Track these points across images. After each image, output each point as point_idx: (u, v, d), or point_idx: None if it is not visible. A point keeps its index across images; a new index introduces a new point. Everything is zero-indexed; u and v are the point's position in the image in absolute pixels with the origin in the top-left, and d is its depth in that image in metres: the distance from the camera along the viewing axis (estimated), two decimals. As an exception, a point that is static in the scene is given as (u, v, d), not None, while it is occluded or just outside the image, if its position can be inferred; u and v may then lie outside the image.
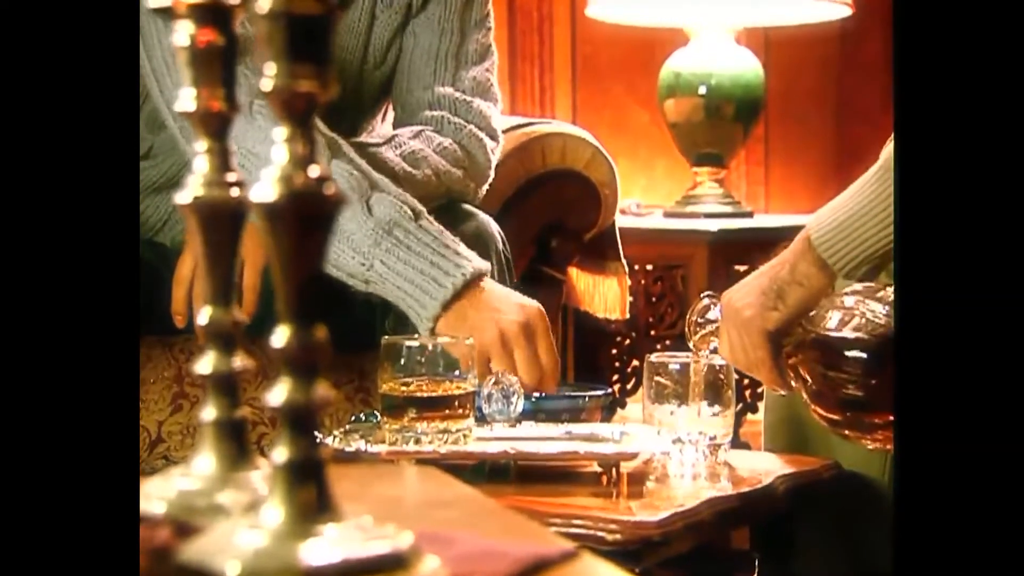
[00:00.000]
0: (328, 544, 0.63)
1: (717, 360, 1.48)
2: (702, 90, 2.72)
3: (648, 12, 2.81)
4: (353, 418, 1.51)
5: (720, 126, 2.74)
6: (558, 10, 3.27)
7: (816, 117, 3.64)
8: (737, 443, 1.80)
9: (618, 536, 1.22)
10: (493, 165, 1.80)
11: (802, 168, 3.61)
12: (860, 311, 1.35)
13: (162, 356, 1.71)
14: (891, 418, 1.32)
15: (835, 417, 1.39)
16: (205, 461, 0.77)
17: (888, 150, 1.36)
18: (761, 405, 1.95)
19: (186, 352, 1.71)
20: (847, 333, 1.36)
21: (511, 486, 1.36)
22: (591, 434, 1.46)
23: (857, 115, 3.54)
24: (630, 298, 2.37)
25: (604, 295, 2.34)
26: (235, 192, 0.77)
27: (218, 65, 0.77)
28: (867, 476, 1.54)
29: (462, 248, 1.55)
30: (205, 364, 0.77)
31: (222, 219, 0.77)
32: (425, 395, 1.37)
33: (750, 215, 2.82)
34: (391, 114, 1.88)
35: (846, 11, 2.76)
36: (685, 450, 1.46)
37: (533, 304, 1.55)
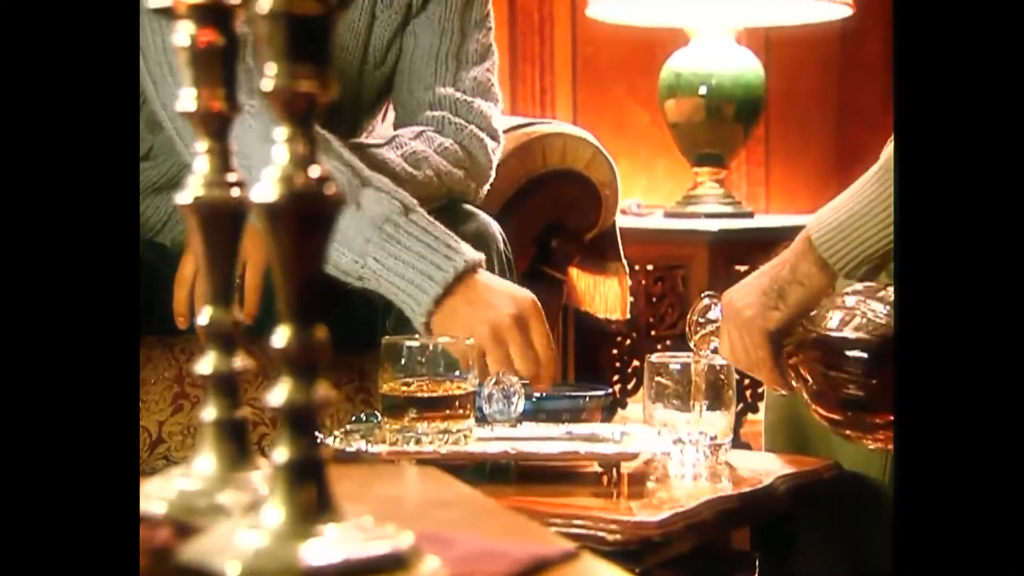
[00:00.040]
0: (328, 544, 0.63)
1: (718, 360, 1.48)
2: (703, 90, 2.72)
3: (649, 12, 2.81)
4: (354, 418, 1.51)
5: (721, 126, 2.74)
6: (559, 11, 3.27)
7: (817, 117, 3.64)
8: (738, 443, 1.80)
9: (619, 536, 1.22)
10: (494, 165, 1.80)
11: (802, 168, 3.61)
12: (861, 311, 1.36)
13: (163, 356, 1.71)
14: (892, 418, 1.32)
15: (836, 417, 1.39)
16: (206, 461, 0.77)
17: (888, 150, 1.36)
18: (762, 405, 1.95)
19: (187, 352, 1.71)
20: (848, 333, 1.36)
21: (511, 486, 1.36)
22: (592, 434, 1.46)
23: (857, 115, 3.55)
24: (631, 298, 2.37)
25: (605, 295, 2.34)
26: (235, 192, 0.77)
27: (218, 65, 0.77)
28: (867, 476, 1.54)
29: (453, 241, 1.54)
30: (206, 364, 0.77)
31: (222, 219, 0.77)
32: (426, 395, 1.37)
33: (751, 215, 2.82)
34: (391, 115, 1.88)
35: (847, 11, 2.76)
36: (686, 450, 1.46)
37: (525, 295, 1.55)
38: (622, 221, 2.37)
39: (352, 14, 1.77)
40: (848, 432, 1.40)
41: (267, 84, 0.64)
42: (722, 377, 1.48)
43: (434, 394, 1.37)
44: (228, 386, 0.78)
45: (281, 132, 0.64)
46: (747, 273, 1.57)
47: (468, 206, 1.74)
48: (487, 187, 1.80)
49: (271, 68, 0.64)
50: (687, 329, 1.52)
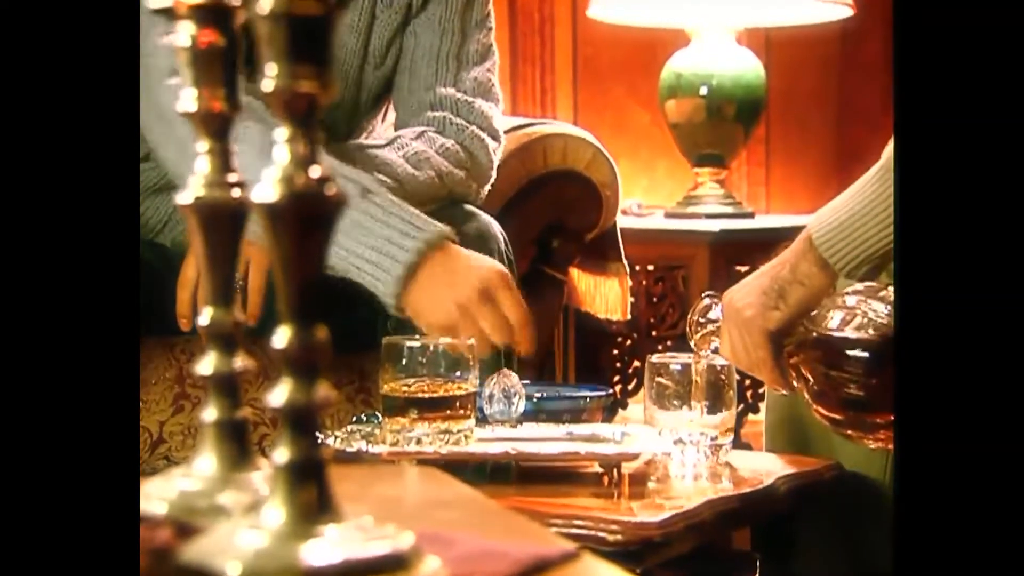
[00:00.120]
0: (329, 545, 0.63)
1: (718, 360, 1.49)
2: (703, 91, 2.72)
3: (649, 13, 2.81)
4: (354, 419, 1.51)
5: (721, 127, 2.74)
6: (559, 11, 3.27)
7: (817, 117, 3.64)
8: (738, 444, 1.80)
9: (619, 537, 1.22)
10: (495, 166, 1.80)
11: (803, 168, 3.61)
12: (862, 311, 1.36)
13: (163, 357, 1.71)
14: (892, 418, 1.32)
15: (837, 417, 1.39)
16: (206, 462, 0.77)
17: (889, 150, 1.36)
18: (763, 406, 1.95)
19: (187, 353, 1.71)
20: (849, 333, 1.36)
21: (512, 487, 1.36)
22: (592, 435, 1.46)
23: (858, 116, 3.54)
24: (631, 299, 2.37)
25: (605, 296, 2.34)
26: (236, 193, 0.77)
27: (219, 66, 0.77)
28: (868, 477, 1.54)
29: (415, 220, 1.52)
30: (206, 365, 0.77)
31: (223, 220, 0.77)
32: (426, 396, 1.37)
33: (751, 216, 2.81)
34: (391, 115, 1.88)
35: (847, 11, 2.76)
36: (686, 451, 1.46)
37: (489, 265, 1.54)
38: (623, 221, 2.37)
39: (352, 14, 1.77)
40: (849, 432, 1.40)
41: (268, 84, 0.64)
42: (723, 377, 1.48)
43: (435, 395, 1.38)
44: (229, 386, 0.78)
45: (282, 132, 0.64)
46: (748, 273, 1.57)
47: (469, 206, 1.74)
48: (488, 187, 1.80)
49: (272, 68, 0.64)
50: (688, 329, 1.52)
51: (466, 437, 1.38)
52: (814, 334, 1.39)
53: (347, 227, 1.50)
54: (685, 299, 2.56)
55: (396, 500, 0.97)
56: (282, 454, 0.65)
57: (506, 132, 1.87)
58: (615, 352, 2.68)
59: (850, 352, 1.36)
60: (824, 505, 1.54)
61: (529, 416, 1.49)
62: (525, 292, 1.61)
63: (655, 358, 1.51)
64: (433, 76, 1.78)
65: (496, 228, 1.72)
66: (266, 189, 0.64)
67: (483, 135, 1.77)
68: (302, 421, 0.65)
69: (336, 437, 1.39)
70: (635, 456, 1.40)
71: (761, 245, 2.30)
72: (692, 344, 1.50)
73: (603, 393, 1.63)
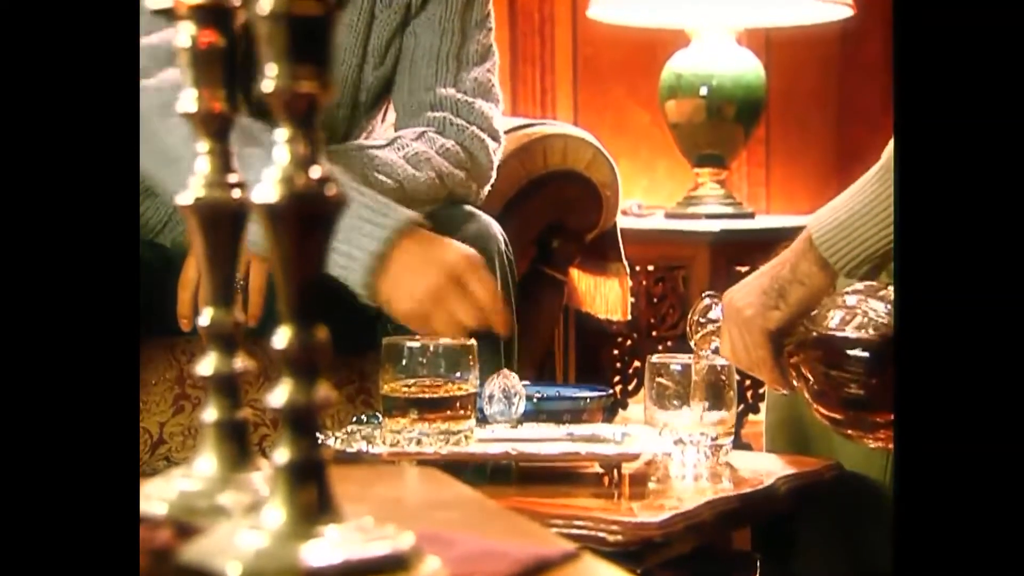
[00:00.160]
0: (329, 545, 0.63)
1: (719, 361, 1.48)
2: (703, 91, 2.72)
3: (649, 13, 2.81)
4: (354, 419, 1.51)
5: (721, 127, 2.74)
6: (559, 11, 3.27)
7: (817, 118, 3.64)
8: (739, 444, 1.80)
9: (619, 537, 1.22)
10: (495, 166, 1.80)
11: (803, 169, 3.61)
12: (862, 310, 1.36)
13: (164, 357, 1.71)
14: (892, 417, 1.32)
15: (837, 416, 1.39)
16: (206, 462, 0.77)
17: (889, 150, 1.36)
18: (763, 406, 1.95)
19: (188, 353, 1.71)
20: (849, 332, 1.36)
21: (512, 487, 1.36)
22: (592, 435, 1.46)
23: (858, 116, 3.54)
24: (631, 299, 2.37)
25: (605, 296, 2.34)
26: (236, 193, 0.77)
27: (219, 66, 0.77)
28: (868, 477, 1.54)
29: (381, 208, 1.52)
30: (206, 365, 0.77)
31: (223, 220, 0.77)
32: (426, 396, 1.37)
33: (751, 216, 2.81)
34: (391, 115, 1.88)
35: (847, 12, 2.76)
36: (687, 451, 1.46)
37: (457, 249, 1.54)
38: (623, 222, 2.37)
39: (351, 13, 1.78)
40: (849, 431, 1.40)
41: (268, 85, 0.64)
42: (723, 378, 1.48)
43: (435, 395, 1.37)
44: (229, 387, 0.78)
45: (282, 133, 0.64)
46: (748, 274, 1.57)
47: (469, 207, 1.74)
48: (488, 188, 1.80)
49: (272, 69, 0.64)
50: (688, 329, 1.52)
51: (466, 437, 1.38)
52: (814, 333, 1.39)
53: None
54: (685, 299, 2.56)
55: (396, 501, 0.97)
56: (282, 454, 0.65)
57: (506, 132, 1.87)
58: (615, 352, 2.68)
59: (850, 351, 1.36)
60: (824, 505, 1.54)
61: (529, 416, 1.49)
62: (525, 293, 1.61)
63: (655, 358, 1.51)
64: (433, 76, 1.78)
65: (496, 228, 1.72)
66: (266, 189, 0.64)
67: (483, 136, 1.77)
68: (302, 421, 0.65)
69: (336, 438, 1.39)
70: (635, 456, 1.40)
71: (761, 245, 2.30)
72: (692, 344, 1.50)
73: (603, 393, 1.63)
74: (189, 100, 0.77)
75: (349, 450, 1.35)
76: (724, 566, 1.61)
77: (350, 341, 1.49)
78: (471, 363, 1.39)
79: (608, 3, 2.80)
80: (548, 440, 1.43)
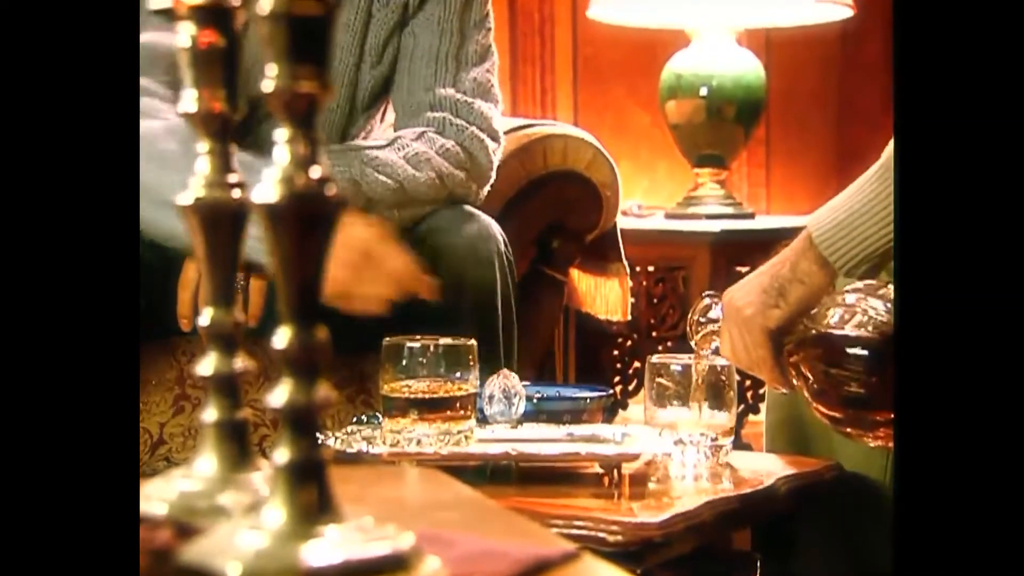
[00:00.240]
0: (329, 545, 0.63)
1: (719, 361, 1.48)
2: (703, 91, 2.72)
3: (649, 13, 2.81)
4: (355, 419, 1.51)
5: (721, 127, 2.74)
6: (559, 11, 3.27)
7: (817, 118, 3.64)
8: (739, 444, 1.80)
9: (619, 537, 1.22)
10: (495, 166, 1.80)
11: (803, 169, 3.61)
12: (861, 308, 1.36)
13: (164, 358, 1.71)
14: (892, 416, 1.32)
15: (837, 415, 1.39)
16: (206, 462, 0.77)
17: (889, 149, 1.36)
18: (763, 406, 1.95)
19: (188, 354, 1.71)
20: (849, 331, 1.36)
21: (512, 487, 1.36)
22: (592, 435, 1.46)
23: (858, 116, 3.54)
24: (632, 299, 2.37)
25: (605, 296, 2.34)
26: (236, 193, 0.77)
27: (219, 66, 0.77)
28: (868, 477, 1.54)
29: None
30: (206, 366, 0.77)
31: (223, 220, 0.77)
32: (426, 396, 1.37)
33: (751, 216, 2.81)
34: (390, 116, 1.88)
35: (847, 12, 2.76)
36: (687, 451, 1.46)
37: (363, 223, 1.53)
38: (623, 222, 2.37)
39: (348, 12, 1.78)
40: (849, 430, 1.40)
41: (268, 85, 0.64)
42: (723, 378, 1.48)
43: (435, 395, 1.38)
44: (229, 387, 0.78)
45: (282, 133, 0.65)
46: (748, 274, 1.57)
47: (469, 207, 1.74)
48: (488, 188, 1.80)
49: (272, 69, 0.64)
50: (688, 329, 1.52)
51: (466, 438, 1.38)
52: (814, 332, 1.39)
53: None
54: (685, 300, 2.56)
55: (396, 501, 0.97)
56: (282, 455, 0.65)
57: (506, 133, 1.87)
58: (615, 353, 2.68)
59: (850, 350, 1.36)
60: (824, 506, 1.54)
61: (529, 417, 1.49)
62: (525, 293, 1.61)
63: (655, 359, 1.51)
64: (432, 77, 1.78)
65: (495, 229, 1.72)
66: (266, 189, 0.64)
67: (483, 136, 1.77)
68: (302, 422, 0.65)
69: (336, 438, 1.39)
70: (635, 457, 1.40)
71: (761, 246, 2.30)
72: (693, 344, 1.50)
73: (603, 394, 1.63)
74: (189, 100, 0.77)
75: (349, 450, 1.35)
76: (724, 566, 1.61)
77: (350, 341, 1.49)
78: (471, 363, 1.39)
79: (608, 3, 2.80)
80: (548, 440, 1.43)
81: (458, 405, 1.38)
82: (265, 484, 0.74)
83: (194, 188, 0.77)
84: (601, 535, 1.22)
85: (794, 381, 1.43)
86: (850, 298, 1.37)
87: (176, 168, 1.47)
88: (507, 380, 1.47)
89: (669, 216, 2.79)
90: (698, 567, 1.44)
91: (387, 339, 1.41)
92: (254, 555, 0.62)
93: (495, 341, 1.68)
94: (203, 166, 0.78)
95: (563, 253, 2.23)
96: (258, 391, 1.57)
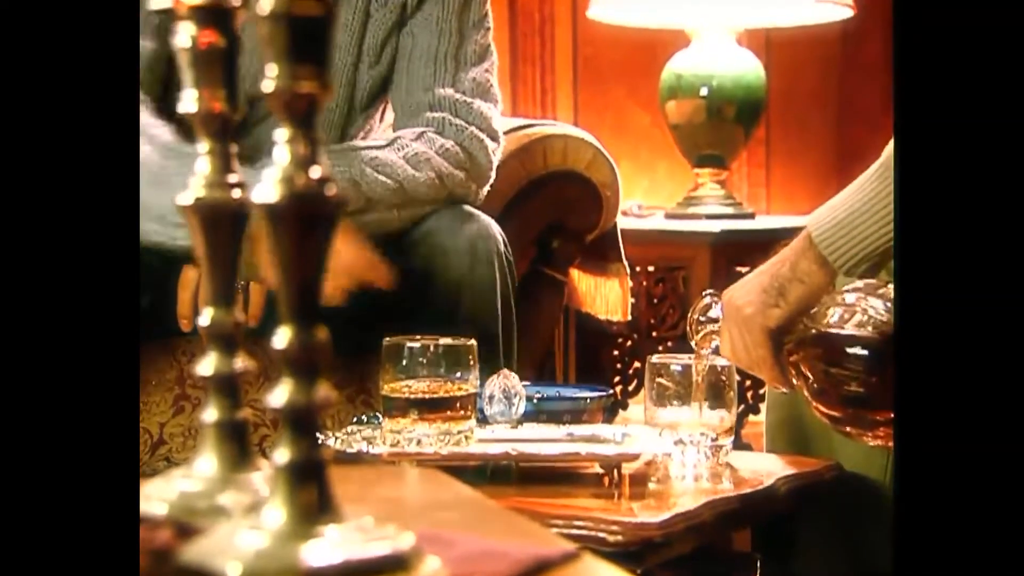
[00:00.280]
0: (329, 545, 0.63)
1: (719, 361, 1.48)
2: (703, 91, 2.72)
3: (649, 13, 2.81)
4: (355, 420, 1.51)
5: (721, 127, 2.74)
6: (559, 11, 3.27)
7: (817, 118, 3.64)
8: (739, 444, 1.80)
9: (619, 537, 1.22)
10: (494, 166, 1.80)
11: (803, 169, 3.61)
12: (861, 308, 1.36)
13: (164, 358, 1.71)
14: (892, 415, 1.32)
15: (836, 414, 1.39)
16: (206, 462, 0.77)
17: (889, 149, 1.36)
18: (763, 406, 1.95)
19: (188, 354, 1.71)
20: (849, 330, 1.36)
21: (512, 487, 1.36)
22: (593, 435, 1.46)
23: (858, 116, 3.54)
24: (632, 299, 2.37)
25: (606, 296, 2.34)
26: (236, 193, 0.77)
27: (219, 66, 0.77)
28: (868, 477, 1.54)
29: None
30: (207, 366, 0.77)
31: (223, 220, 0.77)
32: (427, 396, 1.37)
33: (752, 216, 2.81)
34: (390, 116, 1.88)
35: (847, 12, 2.76)
36: (687, 451, 1.46)
37: None
38: (623, 222, 2.37)
39: (346, 12, 1.78)
40: (848, 429, 1.40)
41: (268, 85, 0.64)
42: (723, 378, 1.48)
43: (435, 395, 1.38)
44: (229, 387, 0.78)
45: (282, 133, 0.65)
46: (748, 274, 1.57)
47: (468, 207, 1.74)
48: (487, 188, 1.80)
49: (272, 69, 0.64)
50: (688, 328, 1.52)
51: (466, 438, 1.38)
52: (814, 331, 1.39)
53: (149, 184, 1.40)
54: (685, 300, 2.56)
55: (396, 501, 0.97)
56: (282, 455, 0.65)
57: (506, 133, 1.87)
58: (615, 353, 2.68)
59: (850, 349, 1.36)
60: (824, 506, 1.54)
61: (529, 417, 1.49)
62: (525, 293, 1.61)
63: (655, 359, 1.51)
64: (431, 77, 1.78)
65: (495, 229, 1.72)
66: (266, 189, 0.64)
67: (482, 136, 1.77)
68: (302, 422, 0.65)
69: (336, 438, 1.39)
70: (635, 457, 1.40)
71: (762, 246, 2.29)
72: (693, 344, 1.50)
73: (603, 394, 1.63)
74: (189, 100, 0.77)
75: (349, 450, 1.35)
76: (724, 566, 1.61)
77: (350, 341, 1.49)
78: (471, 363, 1.39)
79: (608, 3, 2.80)
80: (548, 440, 1.43)
81: (458, 405, 1.38)
82: (265, 484, 0.74)
83: (194, 188, 0.77)
84: (601, 535, 1.22)
85: (794, 380, 1.43)
86: (850, 297, 1.37)
87: (157, 181, 1.48)
88: (507, 380, 1.47)
89: (669, 216, 2.79)
90: (698, 567, 1.44)
91: (387, 339, 1.41)
92: (254, 555, 0.62)
93: (495, 341, 1.68)
94: (203, 166, 0.78)
95: (563, 253, 2.23)
96: (258, 391, 1.58)
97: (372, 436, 1.39)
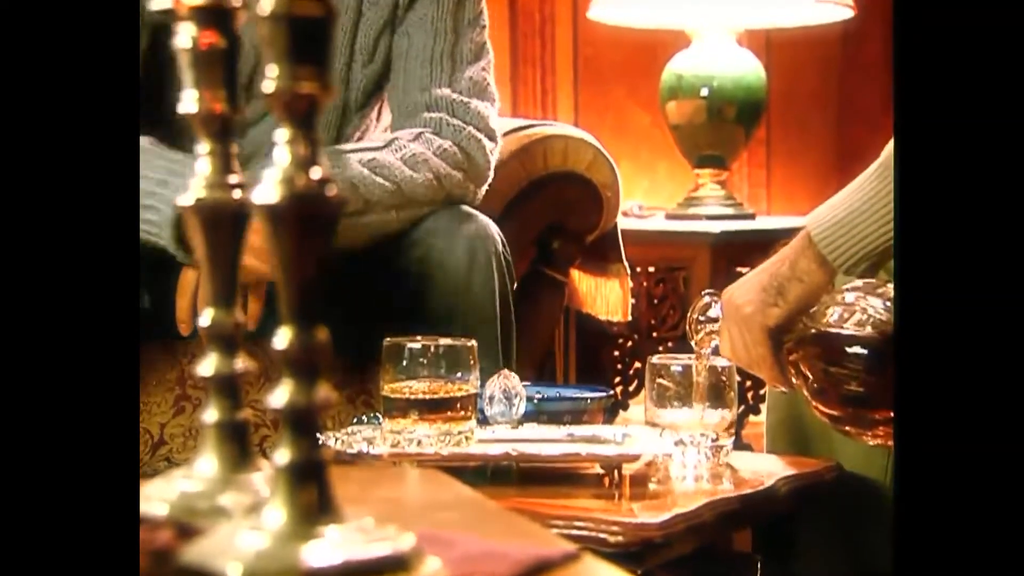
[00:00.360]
0: (329, 546, 0.63)
1: (719, 361, 1.48)
2: (704, 92, 2.72)
3: (650, 14, 2.81)
4: (355, 420, 1.51)
5: (722, 128, 2.74)
6: (560, 12, 3.27)
7: (817, 118, 3.64)
8: (739, 445, 1.80)
9: (620, 538, 1.22)
10: (492, 166, 1.80)
11: (804, 169, 3.61)
12: (861, 307, 1.36)
13: (164, 358, 1.71)
14: (892, 414, 1.32)
15: (836, 413, 1.39)
16: (207, 463, 0.77)
17: (889, 148, 1.36)
18: (763, 407, 1.95)
19: (188, 354, 1.71)
20: (848, 329, 1.36)
21: (513, 488, 1.36)
22: (593, 436, 1.46)
23: (858, 116, 3.54)
24: (632, 300, 2.37)
25: (606, 297, 2.34)
26: (237, 194, 0.77)
27: (220, 67, 0.77)
28: (868, 478, 1.54)
29: (179, 159, 1.57)
30: (207, 366, 0.77)
31: (223, 221, 0.77)
32: (427, 397, 1.37)
33: (752, 217, 2.81)
34: (386, 117, 1.88)
35: (847, 13, 2.76)
36: (687, 452, 1.46)
37: None
38: (623, 223, 2.37)
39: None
40: (848, 428, 1.40)
41: (268, 86, 0.64)
42: (723, 378, 1.48)
43: (435, 396, 1.37)
44: (229, 388, 0.78)
45: (282, 133, 0.65)
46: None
47: (467, 208, 1.74)
48: (485, 188, 1.80)
49: (272, 70, 0.64)
50: (688, 328, 1.52)
51: (467, 438, 1.38)
52: (813, 331, 1.39)
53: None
54: (686, 300, 2.56)
55: (397, 501, 0.97)
56: (283, 455, 0.65)
57: (506, 133, 1.87)
58: (616, 353, 2.68)
59: (849, 348, 1.36)
60: (824, 506, 1.54)
61: (530, 417, 1.49)
62: (525, 294, 1.61)
63: (656, 359, 1.51)
64: (428, 77, 1.78)
65: (493, 229, 1.72)
66: (267, 190, 0.64)
67: (480, 136, 1.77)
68: (303, 422, 0.65)
69: (337, 438, 1.39)
70: (636, 457, 1.40)
71: (762, 246, 2.30)
72: (693, 343, 1.50)
73: (604, 394, 1.63)
74: (190, 101, 0.77)
75: (350, 451, 1.35)
76: (725, 567, 1.61)
77: (351, 342, 1.49)
78: (471, 364, 1.39)
79: (609, 4, 2.80)
80: (548, 441, 1.43)
81: (458, 406, 1.38)
82: (265, 485, 0.74)
83: (195, 189, 0.77)
84: (602, 536, 1.22)
85: (793, 380, 1.43)
86: (849, 296, 1.37)
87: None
88: (507, 381, 1.47)
89: (669, 217, 2.79)
90: (699, 568, 1.44)
91: (387, 339, 1.41)
92: (254, 556, 0.62)
93: (494, 342, 1.68)
94: (204, 167, 0.78)
95: (563, 254, 2.23)
96: (259, 392, 1.58)
97: (372, 437, 1.39)
